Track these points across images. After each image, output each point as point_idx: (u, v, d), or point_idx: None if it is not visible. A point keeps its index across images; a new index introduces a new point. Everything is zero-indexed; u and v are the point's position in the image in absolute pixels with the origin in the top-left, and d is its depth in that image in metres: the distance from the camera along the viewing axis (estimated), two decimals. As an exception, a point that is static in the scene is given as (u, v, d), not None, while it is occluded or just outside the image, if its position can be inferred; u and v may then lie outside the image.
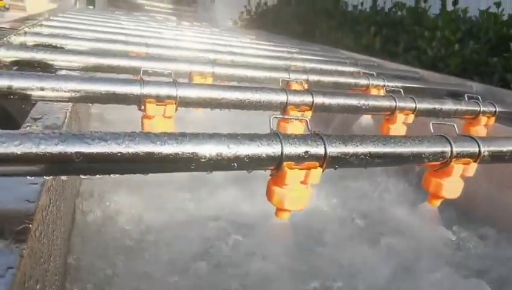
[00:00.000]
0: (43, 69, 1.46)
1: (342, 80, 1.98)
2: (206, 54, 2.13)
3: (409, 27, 3.63)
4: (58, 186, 0.92)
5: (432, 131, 1.06)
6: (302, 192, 0.86)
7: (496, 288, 1.27)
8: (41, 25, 2.37)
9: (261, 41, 3.52)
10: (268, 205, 0.89)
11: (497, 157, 1.07)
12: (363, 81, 1.99)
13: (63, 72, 1.51)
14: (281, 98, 1.36)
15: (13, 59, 1.43)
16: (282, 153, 0.81)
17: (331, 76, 1.98)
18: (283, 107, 1.38)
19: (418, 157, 0.97)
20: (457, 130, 1.10)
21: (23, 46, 1.70)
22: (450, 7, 3.44)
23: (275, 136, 0.83)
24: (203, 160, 0.75)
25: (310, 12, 5.53)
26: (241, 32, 4.80)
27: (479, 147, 1.03)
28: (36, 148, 0.63)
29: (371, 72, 2.13)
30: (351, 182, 1.97)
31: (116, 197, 1.56)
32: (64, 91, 1.11)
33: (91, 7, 7.58)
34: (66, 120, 1.10)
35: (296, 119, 1.28)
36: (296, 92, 1.43)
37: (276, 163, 0.82)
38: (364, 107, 1.50)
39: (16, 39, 1.79)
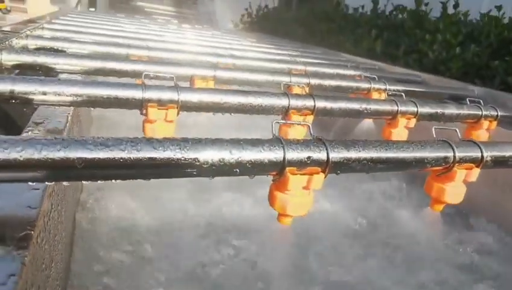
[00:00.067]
0: (45, 72, 1.46)
1: (344, 83, 1.98)
2: (207, 58, 2.13)
3: (409, 30, 3.63)
4: (59, 191, 0.91)
5: (435, 136, 1.06)
6: (304, 198, 0.86)
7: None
8: (42, 28, 2.38)
9: (262, 44, 3.52)
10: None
11: (499, 163, 1.07)
12: (364, 85, 1.99)
13: (65, 75, 1.51)
14: (283, 102, 1.36)
15: (15, 62, 1.43)
16: (284, 158, 0.80)
17: (333, 79, 1.98)
18: (285, 111, 1.38)
19: (420, 163, 0.97)
20: (459, 135, 1.10)
21: (25, 50, 1.71)
22: (451, 10, 3.45)
23: (277, 141, 0.82)
24: (205, 166, 0.75)
25: (310, 15, 5.53)
26: (242, 34, 4.80)
27: (481, 152, 1.03)
28: (38, 154, 0.63)
29: (372, 76, 2.13)
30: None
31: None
32: (66, 95, 1.11)
33: (92, 9, 7.60)
34: (67, 124, 1.10)
35: (298, 124, 1.28)
36: (298, 96, 1.43)
37: (278, 168, 0.81)
38: (366, 111, 1.50)
39: (17, 42, 1.79)
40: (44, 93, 1.08)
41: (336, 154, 0.85)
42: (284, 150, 0.81)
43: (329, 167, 0.84)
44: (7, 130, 1.50)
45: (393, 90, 1.93)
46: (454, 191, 1.06)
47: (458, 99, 2.12)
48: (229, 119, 1.53)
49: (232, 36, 4.07)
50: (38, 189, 0.72)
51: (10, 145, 0.62)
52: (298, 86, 1.75)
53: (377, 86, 1.99)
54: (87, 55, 1.74)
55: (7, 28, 2.10)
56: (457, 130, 1.12)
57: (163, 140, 0.73)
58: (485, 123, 1.73)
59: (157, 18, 6.85)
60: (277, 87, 1.71)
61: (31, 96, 1.07)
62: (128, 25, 3.50)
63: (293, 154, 0.81)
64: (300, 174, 0.84)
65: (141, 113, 1.22)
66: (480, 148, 1.03)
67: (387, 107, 1.55)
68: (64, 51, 1.84)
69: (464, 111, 1.69)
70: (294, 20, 5.89)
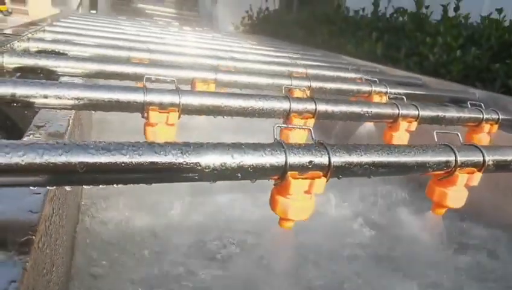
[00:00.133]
0: (46, 75, 1.46)
1: (345, 86, 1.98)
2: (208, 60, 2.13)
3: (410, 33, 3.63)
4: (61, 195, 0.91)
5: (436, 140, 1.06)
6: (306, 202, 0.86)
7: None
8: (44, 31, 2.38)
9: (263, 47, 3.53)
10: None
11: (501, 167, 1.07)
12: (365, 88, 1.99)
13: (66, 78, 1.51)
14: (284, 105, 1.36)
15: (16, 65, 1.43)
16: (286, 162, 0.81)
17: (334, 82, 1.98)
18: (286, 115, 1.38)
19: (422, 167, 0.97)
20: (461, 139, 1.10)
21: (26, 53, 1.71)
22: (451, 13, 3.45)
23: (279, 145, 0.82)
24: (207, 170, 0.75)
25: (311, 17, 5.54)
26: (242, 37, 4.81)
27: (483, 156, 1.03)
28: (40, 159, 0.63)
29: (373, 79, 2.13)
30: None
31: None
32: (68, 99, 1.11)
33: (94, 12, 7.61)
34: (69, 128, 1.10)
35: (300, 128, 1.28)
36: (299, 99, 1.43)
37: (280, 173, 0.81)
38: (367, 114, 1.50)
39: (19, 45, 1.80)
40: (46, 97, 1.08)
41: (338, 159, 0.85)
42: (285, 154, 0.81)
43: (331, 171, 0.84)
44: (8, 133, 1.50)
45: (394, 94, 1.93)
46: (456, 196, 1.06)
47: (459, 103, 2.12)
48: (230, 122, 1.54)
49: (232, 39, 4.08)
50: (39, 193, 0.72)
51: (12, 149, 0.62)
52: (299, 89, 1.75)
53: (378, 89, 1.99)
54: (88, 58, 1.74)
55: (9, 31, 2.10)
56: (459, 134, 1.12)
57: (165, 144, 0.73)
58: (486, 126, 1.73)
59: (158, 20, 6.86)
60: (278, 90, 1.70)
61: (32, 100, 1.08)
62: (129, 28, 3.51)
63: (294, 159, 0.81)
64: (302, 178, 0.84)
65: (142, 117, 1.22)
66: (482, 152, 1.03)
67: (388, 111, 1.55)
68: (66, 54, 1.84)
69: (465, 114, 1.69)
70: (295, 23, 5.90)
